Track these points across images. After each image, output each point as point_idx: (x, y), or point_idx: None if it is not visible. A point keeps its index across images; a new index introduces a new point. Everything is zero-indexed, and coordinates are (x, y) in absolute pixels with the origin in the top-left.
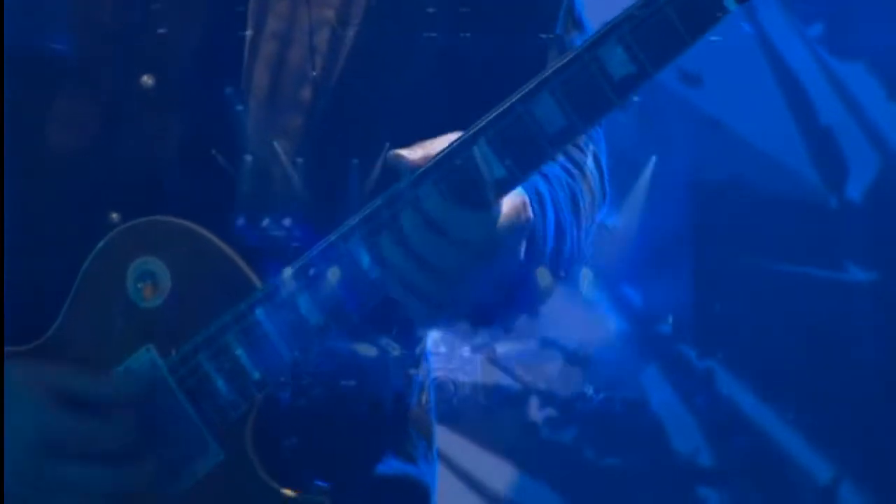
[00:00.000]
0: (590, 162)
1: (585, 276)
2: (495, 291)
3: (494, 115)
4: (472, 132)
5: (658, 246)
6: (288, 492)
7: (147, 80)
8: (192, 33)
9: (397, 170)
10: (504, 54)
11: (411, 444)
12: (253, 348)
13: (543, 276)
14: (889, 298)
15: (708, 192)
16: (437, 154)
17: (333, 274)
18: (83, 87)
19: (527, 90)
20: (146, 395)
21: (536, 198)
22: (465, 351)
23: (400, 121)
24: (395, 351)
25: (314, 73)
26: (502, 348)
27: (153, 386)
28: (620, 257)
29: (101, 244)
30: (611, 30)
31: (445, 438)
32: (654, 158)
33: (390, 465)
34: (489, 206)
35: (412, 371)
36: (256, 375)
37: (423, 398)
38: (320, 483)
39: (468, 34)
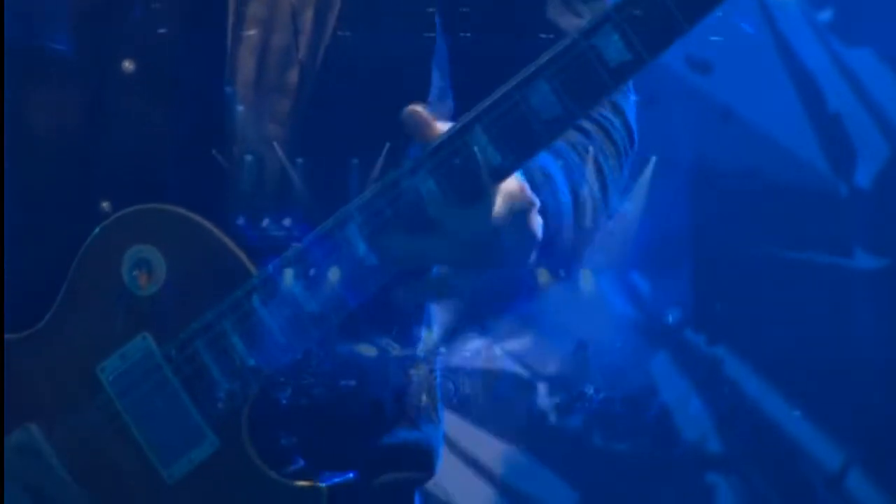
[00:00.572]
0: (607, 113)
1: (586, 275)
2: (500, 281)
3: (490, 102)
4: (467, 119)
5: (666, 233)
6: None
7: (128, 65)
8: (173, 18)
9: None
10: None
11: (414, 409)
12: (249, 336)
13: (542, 274)
14: None
15: (716, 179)
16: (433, 142)
17: (330, 262)
18: (65, 75)
19: (523, 77)
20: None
21: (544, 179)
22: (466, 352)
23: (387, 101)
24: (395, 351)
25: (299, 57)
26: (507, 344)
27: (147, 373)
28: (627, 244)
29: (95, 232)
30: (606, 17)
31: (452, 425)
32: (661, 145)
33: (392, 436)
34: (486, 194)
35: (412, 371)
36: (252, 363)
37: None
38: (346, 475)
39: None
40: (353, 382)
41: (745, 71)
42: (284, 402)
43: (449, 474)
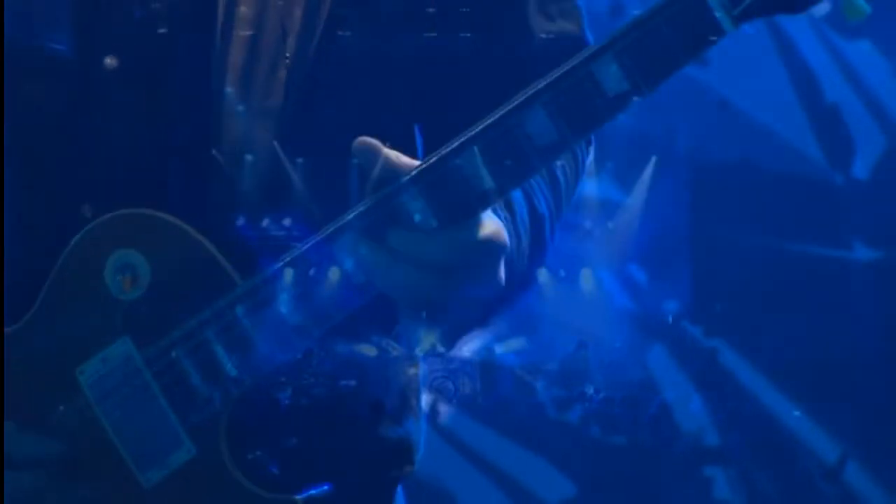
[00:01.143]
0: None
1: (586, 274)
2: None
3: (485, 125)
4: (461, 141)
5: (663, 225)
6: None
7: (113, 63)
8: (161, 18)
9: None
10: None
11: (397, 406)
12: (231, 346)
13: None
14: (895, 275)
15: (713, 170)
16: (425, 161)
17: (315, 275)
18: (51, 74)
19: (519, 102)
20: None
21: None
22: (466, 351)
23: (376, 99)
24: (396, 351)
25: (288, 56)
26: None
27: (127, 378)
28: (626, 237)
29: (79, 234)
30: (606, 46)
31: (452, 420)
32: (660, 140)
33: (375, 434)
34: (471, 219)
35: (411, 370)
36: (234, 373)
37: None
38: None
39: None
40: (353, 382)
41: (742, 63)
42: (260, 401)
43: (447, 468)
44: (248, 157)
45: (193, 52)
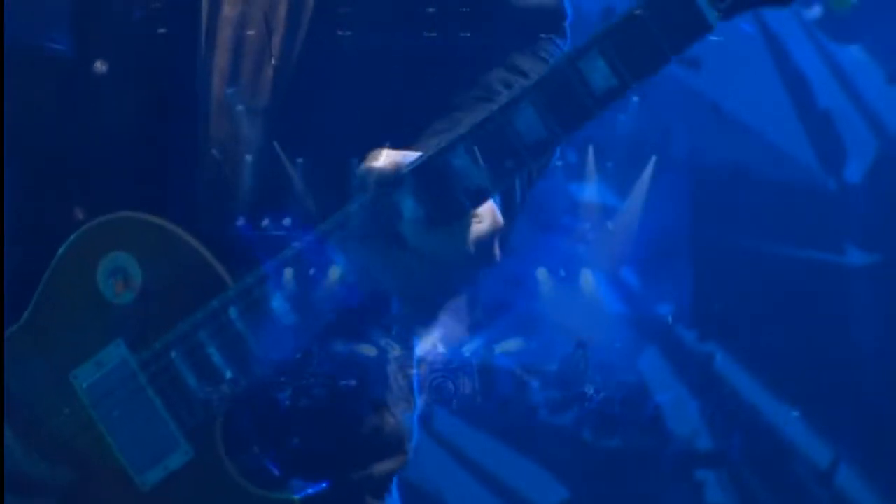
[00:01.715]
0: None
1: (585, 275)
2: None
3: (475, 123)
4: (451, 140)
5: (659, 230)
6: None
7: (101, 66)
8: (147, 19)
9: (366, 182)
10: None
11: (392, 398)
12: (226, 347)
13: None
14: (889, 280)
15: (707, 176)
16: (415, 161)
17: (308, 275)
18: (38, 76)
19: (508, 100)
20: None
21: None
22: (465, 351)
23: (363, 94)
24: (396, 351)
25: (273, 55)
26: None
27: (122, 381)
28: (625, 238)
29: (70, 238)
30: (593, 42)
31: (445, 421)
32: (657, 144)
33: (369, 429)
34: (464, 216)
35: (410, 371)
36: (229, 374)
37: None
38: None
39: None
40: (353, 382)
41: (734, 68)
42: (257, 402)
43: (439, 470)
44: (238, 157)
45: (179, 55)
